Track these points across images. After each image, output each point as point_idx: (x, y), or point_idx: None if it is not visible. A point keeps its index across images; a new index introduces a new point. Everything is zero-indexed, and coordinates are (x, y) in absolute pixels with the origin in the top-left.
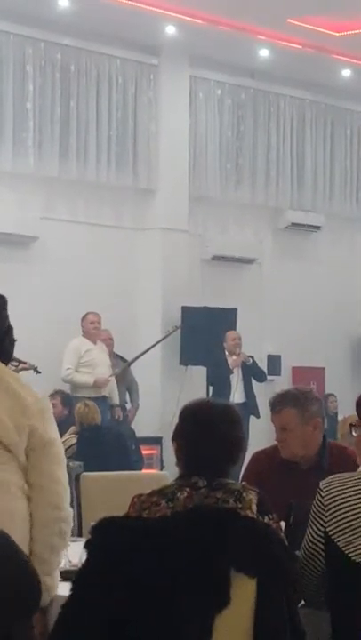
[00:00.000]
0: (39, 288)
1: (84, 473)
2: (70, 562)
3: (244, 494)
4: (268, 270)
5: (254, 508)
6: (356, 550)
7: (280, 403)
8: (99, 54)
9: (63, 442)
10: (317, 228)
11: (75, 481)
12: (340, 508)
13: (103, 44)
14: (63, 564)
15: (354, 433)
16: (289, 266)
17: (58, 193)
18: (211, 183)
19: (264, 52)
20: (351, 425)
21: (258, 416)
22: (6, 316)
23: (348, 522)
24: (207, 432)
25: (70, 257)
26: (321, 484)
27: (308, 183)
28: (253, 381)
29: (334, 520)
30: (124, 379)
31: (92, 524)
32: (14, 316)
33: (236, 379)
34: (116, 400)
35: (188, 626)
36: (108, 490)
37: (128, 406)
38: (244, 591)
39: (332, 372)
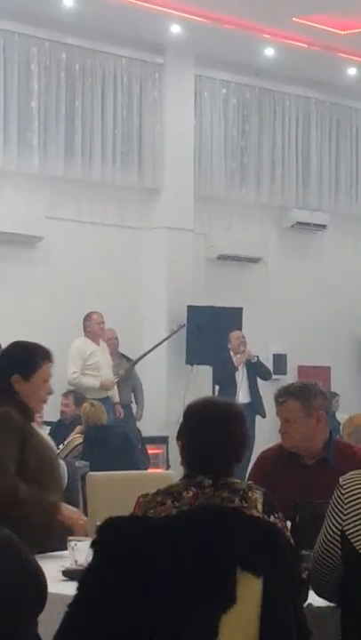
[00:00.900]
0: (44, 287)
1: (90, 472)
2: (76, 561)
3: (250, 493)
4: (273, 269)
5: (260, 507)
6: None
7: (284, 395)
8: (104, 53)
9: (69, 442)
10: (323, 227)
11: (81, 480)
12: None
13: (108, 44)
14: (69, 563)
15: None
16: (294, 265)
17: (63, 192)
18: (216, 182)
19: (269, 51)
20: None
21: (264, 415)
22: None
23: None
24: (210, 430)
25: (75, 256)
26: (341, 479)
27: (314, 182)
28: (260, 381)
29: (353, 517)
30: (129, 378)
31: (98, 523)
32: (19, 314)
33: (240, 378)
34: (117, 398)
35: (194, 625)
36: (113, 489)
37: (133, 406)
38: (250, 590)
39: (338, 370)
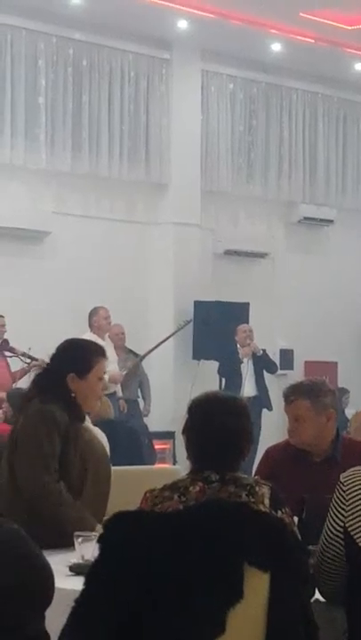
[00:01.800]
0: (51, 282)
1: None
2: (83, 556)
3: (257, 488)
4: (280, 264)
5: (267, 502)
6: None
7: (293, 393)
8: (111, 49)
9: None
10: (330, 221)
11: None
12: None
13: (115, 39)
14: (76, 558)
15: None
16: (301, 260)
17: (70, 187)
18: (223, 177)
19: (276, 46)
20: None
21: (270, 409)
22: None
23: None
24: (214, 424)
25: (82, 251)
26: (342, 477)
27: (321, 177)
28: (266, 374)
29: (355, 513)
30: (136, 373)
31: (105, 518)
32: (27, 310)
33: (246, 371)
34: (120, 393)
35: (200, 620)
36: (120, 484)
37: (140, 401)
38: (257, 585)
39: (345, 365)
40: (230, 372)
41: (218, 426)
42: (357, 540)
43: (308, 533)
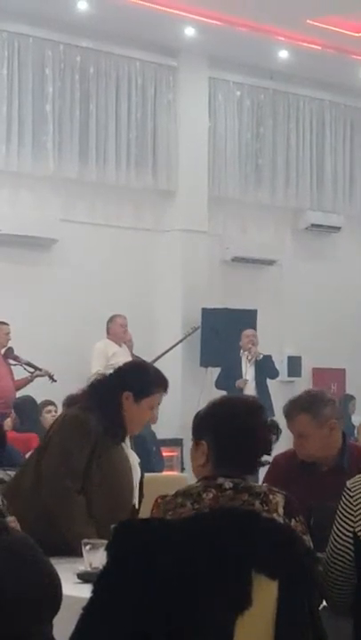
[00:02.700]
0: (59, 290)
1: None
2: (91, 564)
3: (271, 497)
4: (288, 271)
5: (281, 510)
6: None
7: (293, 409)
8: (118, 56)
9: None
10: (337, 228)
11: None
12: None
13: (122, 46)
14: (84, 566)
15: None
16: (309, 267)
17: (77, 195)
18: (230, 184)
19: (283, 53)
20: None
21: (272, 415)
22: None
23: None
24: (239, 425)
25: (90, 259)
26: (348, 483)
27: (328, 184)
28: (272, 381)
29: None
30: None
31: (113, 526)
32: (34, 317)
33: (247, 377)
34: None
35: (209, 627)
36: None
37: None
38: (265, 593)
39: (353, 372)
40: (232, 379)
41: (244, 426)
42: None
43: (315, 541)
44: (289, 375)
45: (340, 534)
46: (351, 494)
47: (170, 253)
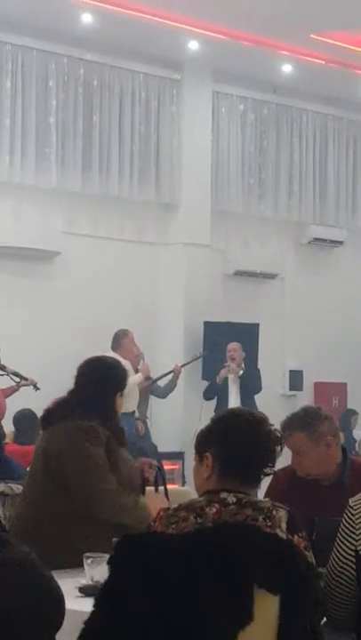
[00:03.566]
0: (61, 302)
1: None
2: (93, 578)
3: (274, 512)
4: (290, 285)
5: (284, 525)
6: None
7: (288, 427)
8: (121, 69)
9: None
10: (340, 243)
11: None
12: None
13: (126, 60)
14: (86, 580)
15: None
16: (312, 281)
17: (80, 207)
18: (233, 198)
19: (287, 68)
20: None
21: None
22: None
23: None
24: (246, 435)
25: (92, 272)
26: (351, 501)
27: (331, 198)
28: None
29: None
30: (147, 394)
31: (115, 540)
32: (36, 330)
33: (231, 391)
34: (137, 413)
35: None
36: None
37: (149, 422)
38: (267, 608)
39: (355, 387)
40: (211, 393)
41: (252, 436)
42: None
43: (317, 556)
44: (290, 389)
45: (341, 552)
46: (353, 512)
47: (172, 267)
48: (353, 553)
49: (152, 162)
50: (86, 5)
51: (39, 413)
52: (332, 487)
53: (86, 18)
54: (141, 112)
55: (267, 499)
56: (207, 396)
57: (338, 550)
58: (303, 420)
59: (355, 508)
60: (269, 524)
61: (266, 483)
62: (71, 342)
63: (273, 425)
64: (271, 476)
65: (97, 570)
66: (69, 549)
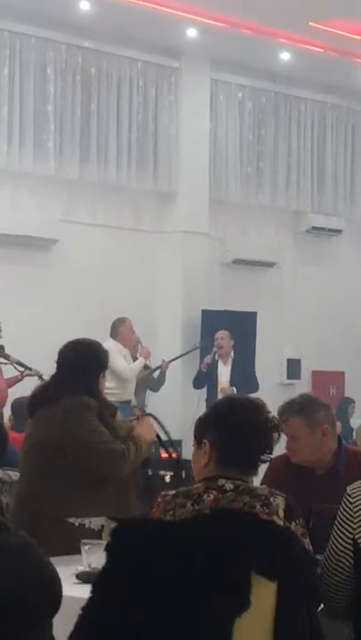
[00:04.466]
0: (59, 290)
1: None
2: (90, 565)
3: (272, 499)
4: (288, 274)
5: (281, 513)
6: None
7: (286, 413)
8: (119, 57)
9: None
10: (338, 231)
11: None
12: None
13: (124, 47)
14: (83, 566)
15: None
16: (310, 269)
17: (78, 196)
18: (231, 186)
19: (285, 56)
20: None
21: None
22: None
23: None
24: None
25: (90, 260)
26: (348, 489)
27: (330, 187)
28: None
29: None
30: (146, 383)
31: (113, 526)
32: (34, 318)
33: (222, 379)
34: (134, 402)
35: (207, 629)
36: None
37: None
38: (264, 594)
39: (352, 375)
40: (208, 381)
41: (250, 423)
42: None
43: (314, 543)
44: (288, 378)
45: (339, 540)
46: (351, 500)
47: (170, 255)
48: (351, 541)
49: (150, 150)
50: None
51: None
52: (327, 476)
53: (84, 5)
54: (139, 100)
55: (264, 486)
56: (196, 384)
57: (335, 539)
58: (301, 406)
59: (353, 496)
60: (267, 511)
61: (262, 471)
62: (69, 330)
63: (270, 412)
64: (267, 465)
65: (94, 556)
66: (64, 524)
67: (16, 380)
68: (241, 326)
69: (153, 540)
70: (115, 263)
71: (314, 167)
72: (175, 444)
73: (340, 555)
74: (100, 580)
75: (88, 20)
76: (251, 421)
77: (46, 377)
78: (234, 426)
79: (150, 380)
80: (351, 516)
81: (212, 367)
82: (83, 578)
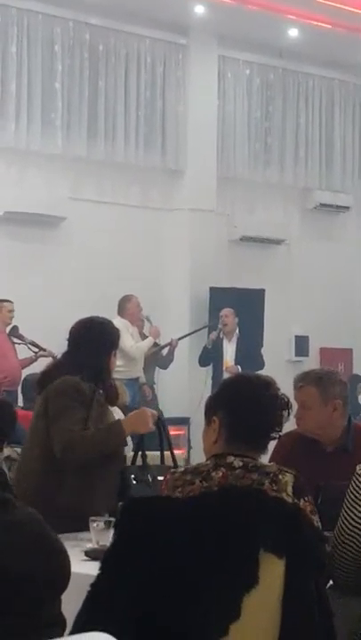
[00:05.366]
0: (67, 268)
1: None
2: (98, 542)
3: (280, 476)
4: (296, 251)
5: (290, 490)
6: None
7: (302, 380)
8: (127, 34)
9: None
10: (346, 208)
11: None
12: None
13: (132, 24)
14: (91, 544)
15: None
16: (317, 246)
17: (86, 173)
18: (239, 163)
19: (293, 32)
20: None
21: None
22: None
23: None
24: (255, 399)
25: (98, 237)
26: (358, 467)
27: (337, 163)
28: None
29: None
30: (155, 360)
31: (121, 504)
32: (42, 296)
33: (227, 357)
34: (143, 379)
35: (216, 605)
36: None
37: (156, 387)
38: (272, 571)
39: (360, 352)
40: (214, 358)
41: (260, 400)
42: None
43: (323, 520)
44: (296, 355)
45: (349, 519)
46: None
47: (178, 232)
48: (360, 520)
49: (158, 127)
50: None
51: None
52: (336, 453)
53: None
54: (147, 77)
55: (272, 463)
56: (202, 361)
57: (345, 517)
58: (319, 377)
59: None
60: (275, 488)
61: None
62: (76, 307)
63: (280, 389)
64: (276, 441)
65: (103, 533)
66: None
67: (30, 361)
68: (249, 304)
69: (162, 517)
70: (122, 240)
71: (322, 144)
72: (173, 454)
73: (350, 533)
74: (108, 557)
75: None
76: (260, 398)
77: (57, 356)
78: (243, 403)
79: (159, 358)
80: None
81: (218, 345)
82: (91, 555)
